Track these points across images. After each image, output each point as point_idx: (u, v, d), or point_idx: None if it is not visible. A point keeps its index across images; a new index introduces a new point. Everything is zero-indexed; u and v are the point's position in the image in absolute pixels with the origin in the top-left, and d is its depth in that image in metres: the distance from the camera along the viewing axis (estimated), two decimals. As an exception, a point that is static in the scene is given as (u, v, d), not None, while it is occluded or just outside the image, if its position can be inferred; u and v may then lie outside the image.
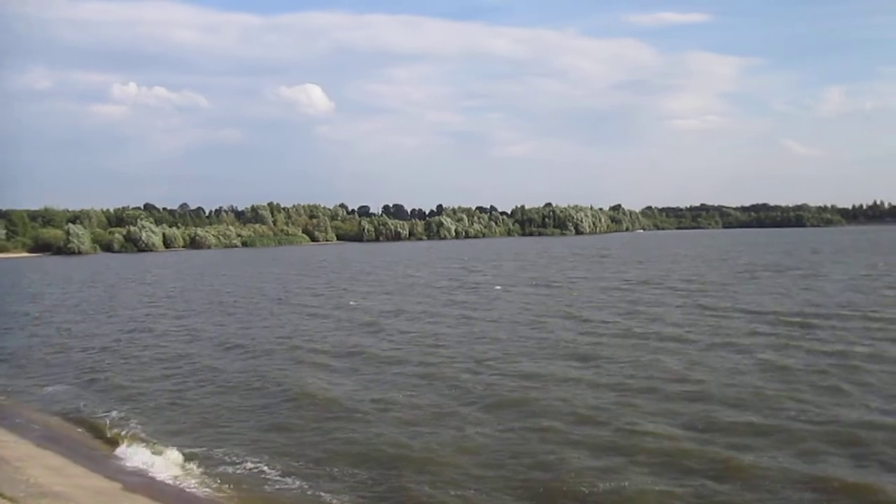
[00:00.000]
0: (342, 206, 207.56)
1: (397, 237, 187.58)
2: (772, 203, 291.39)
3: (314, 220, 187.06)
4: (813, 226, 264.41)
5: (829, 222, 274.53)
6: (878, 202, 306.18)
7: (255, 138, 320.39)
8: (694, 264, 65.56)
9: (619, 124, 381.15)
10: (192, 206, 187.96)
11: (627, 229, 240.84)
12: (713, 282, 45.99)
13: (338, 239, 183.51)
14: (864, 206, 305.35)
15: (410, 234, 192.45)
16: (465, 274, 59.50)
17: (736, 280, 46.68)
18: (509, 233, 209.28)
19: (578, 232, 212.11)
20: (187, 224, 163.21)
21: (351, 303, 38.78)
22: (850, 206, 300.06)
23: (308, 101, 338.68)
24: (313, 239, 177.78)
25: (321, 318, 33.22)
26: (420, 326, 29.52)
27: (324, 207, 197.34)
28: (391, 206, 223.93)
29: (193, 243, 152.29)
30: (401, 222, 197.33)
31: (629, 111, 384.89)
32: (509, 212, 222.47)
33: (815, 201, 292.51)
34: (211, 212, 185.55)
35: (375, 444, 14.26)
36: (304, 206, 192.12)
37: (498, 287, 45.53)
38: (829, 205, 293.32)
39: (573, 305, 34.64)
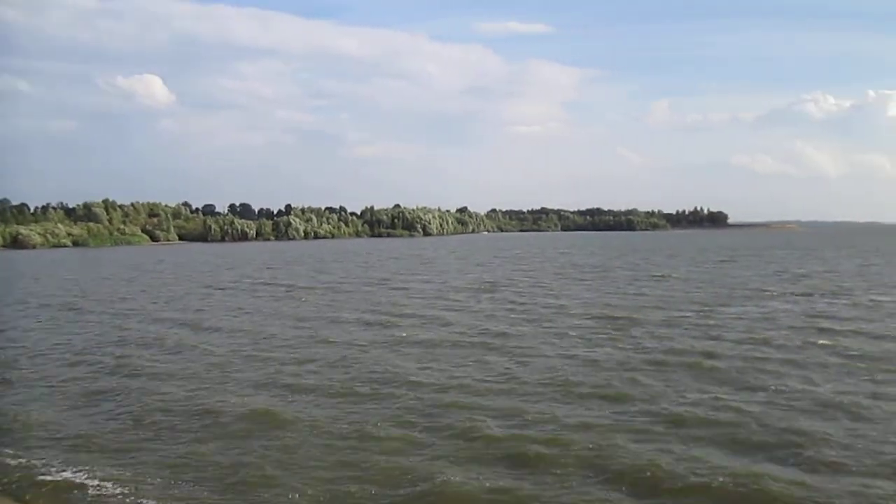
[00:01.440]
0: (185, 204, 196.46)
1: (244, 237, 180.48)
2: (605, 207, 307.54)
3: (155, 219, 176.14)
4: (642, 229, 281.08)
5: (655, 226, 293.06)
6: (699, 208, 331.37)
7: (89, 130, 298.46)
8: (525, 265, 67.06)
9: (467, 128, 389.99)
10: (15, 202, 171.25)
11: (473, 231, 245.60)
12: (541, 282, 47.28)
13: (181, 239, 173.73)
14: (687, 212, 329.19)
15: (258, 234, 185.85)
16: (300, 277, 57.36)
17: (561, 281, 47.97)
18: (358, 233, 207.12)
19: (426, 233, 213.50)
20: (8, 221, 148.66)
21: (152, 306, 36.00)
22: (674, 212, 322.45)
23: (147, 93, 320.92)
24: (154, 239, 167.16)
25: (95, 326, 30.50)
26: (201, 337, 27.04)
27: (165, 206, 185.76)
28: (238, 205, 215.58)
29: (16, 243, 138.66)
30: (248, 222, 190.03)
31: (476, 116, 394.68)
32: (359, 213, 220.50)
33: (644, 206, 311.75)
34: (37, 208, 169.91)
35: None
36: (143, 204, 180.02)
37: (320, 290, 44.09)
38: (656, 210, 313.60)
39: (393, 308, 33.83)
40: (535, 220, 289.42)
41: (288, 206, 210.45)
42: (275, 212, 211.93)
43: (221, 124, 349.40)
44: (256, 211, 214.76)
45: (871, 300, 34.83)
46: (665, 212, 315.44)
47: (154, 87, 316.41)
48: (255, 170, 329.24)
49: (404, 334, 26.07)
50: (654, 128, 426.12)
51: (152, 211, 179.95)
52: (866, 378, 18.20)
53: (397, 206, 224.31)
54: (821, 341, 23.34)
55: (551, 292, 40.94)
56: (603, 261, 74.38)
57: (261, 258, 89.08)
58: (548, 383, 18.16)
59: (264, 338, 26.03)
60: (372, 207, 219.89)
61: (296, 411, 16.03)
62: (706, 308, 32.40)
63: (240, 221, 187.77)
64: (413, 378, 18.85)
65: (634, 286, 44.01)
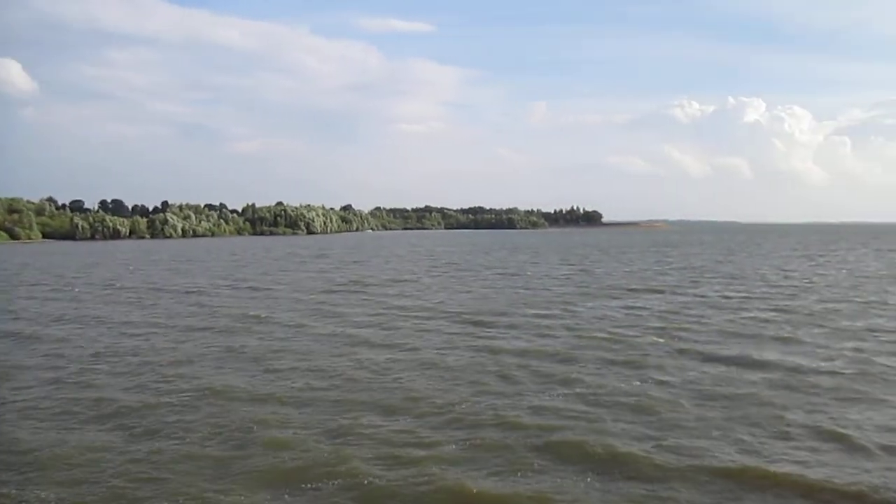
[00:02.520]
0: (50, 200, 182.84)
1: (116, 235, 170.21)
2: (487, 206, 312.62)
3: (15, 216, 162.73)
4: (522, 228, 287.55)
5: (535, 225, 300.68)
6: (575, 207, 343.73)
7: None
8: (400, 264, 66.10)
9: (351, 125, 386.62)
10: None
11: (357, 229, 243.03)
12: (412, 281, 46.34)
13: (45, 237, 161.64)
14: (564, 211, 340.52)
15: (132, 232, 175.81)
16: (158, 278, 53.77)
17: (432, 279, 47.19)
18: (240, 232, 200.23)
19: (310, 231, 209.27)
20: None
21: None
22: (552, 211, 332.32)
23: (5, 79, 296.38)
24: (14, 237, 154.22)
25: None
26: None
27: (27, 201, 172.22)
28: (109, 201, 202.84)
29: None
30: (120, 219, 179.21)
31: (360, 113, 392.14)
32: (240, 210, 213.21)
33: (524, 205, 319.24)
34: None
35: None
36: (1, 199, 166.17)
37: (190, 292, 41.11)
38: (535, 209, 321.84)
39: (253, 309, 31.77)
40: (419, 218, 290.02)
41: (164, 203, 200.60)
42: (150, 209, 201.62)
43: (91, 115, 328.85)
44: (130, 208, 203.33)
45: (723, 296, 35.97)
46: (544, 211, 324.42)
47: (13, 73, 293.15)
48: (128, 165, 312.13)
49: (253, 343, 24.14)
50: (532, 128, 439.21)
51: (12, 206, 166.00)
52: (700, 375, 18.17)
53: (280, 203, 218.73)
54: (664, 339, 23.47)
55: (418, 292, 40.07)
56: (478, 259, 74.54)
57: (126, 257, 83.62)
58: (384, 389, 17.04)
59: (85, 352, 23.12)
60: (253, 205, 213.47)
61: (77, 432, 14.03)
62: (568, 305, 32.42)
63: (112, 219, 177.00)
64: (233, 391, 17.08)
65: (504, 284, 43.88)
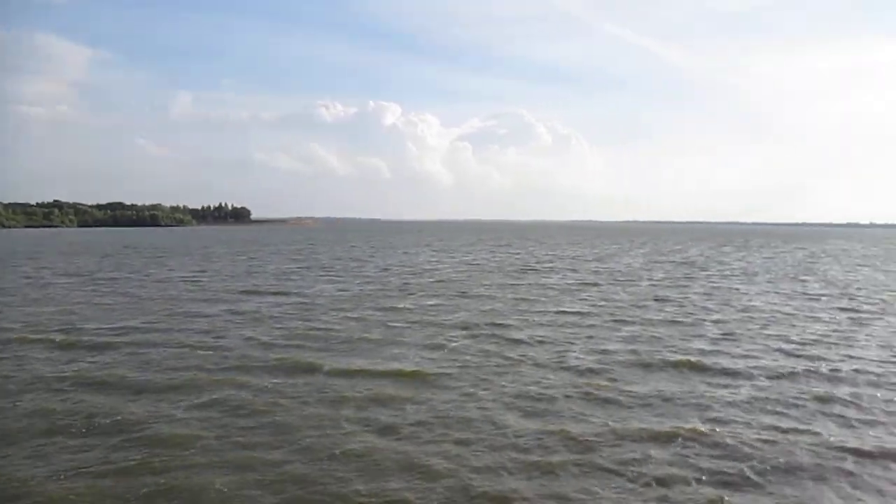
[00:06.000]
0: None
1: None
2: (128, 202, 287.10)
3: None
4: (166, 225, 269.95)
5: (181, 222, 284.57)
6: (223, 204, 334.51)
7: None
8: None
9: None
10: None
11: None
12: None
13: None
14: (212, 207, 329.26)
15: None
16: None
17: (30, 288, 41.19)
18: None
19: None
20: None
21: None
22: (199, 207, 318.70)
23: None
24: None
25: None
26: None
27: None
28: None
29: None
30: None
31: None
32: None
33: (169, 201, 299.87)
34: None
35: None
36: None
37: None
38: (181, 205, 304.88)
39: None
40: (47, 214, 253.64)
41: None
42: None
43: None
44: None
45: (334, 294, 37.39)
46: (191, 207, 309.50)
47: None
48: None
49: None
50: (177, 121, 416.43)
51: None
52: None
53: None
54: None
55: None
56: (90, 261, 67.28)
57: None
58: None
59: None
60: None
61: None
62: (175, 311, 30.75)
63: None
64: None
65: (120, 285, 40.12)
